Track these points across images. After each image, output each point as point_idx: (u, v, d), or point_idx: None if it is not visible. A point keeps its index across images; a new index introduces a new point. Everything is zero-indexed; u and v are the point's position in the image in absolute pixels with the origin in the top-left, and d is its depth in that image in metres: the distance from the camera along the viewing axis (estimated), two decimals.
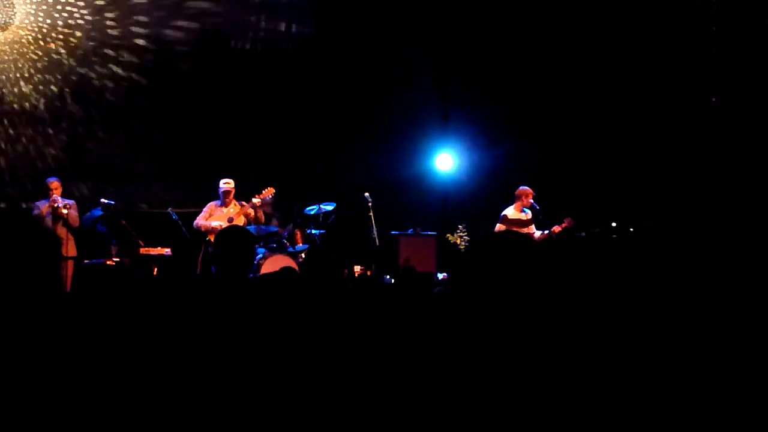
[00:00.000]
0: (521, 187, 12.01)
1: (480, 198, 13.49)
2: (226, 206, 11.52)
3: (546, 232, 11.80)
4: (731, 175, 11.48)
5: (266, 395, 3.41)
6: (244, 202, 11.59)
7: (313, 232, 12.64)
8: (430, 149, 14.60)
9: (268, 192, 11.73)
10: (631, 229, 12.10)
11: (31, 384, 2.86)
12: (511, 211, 12.01)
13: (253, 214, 11.54)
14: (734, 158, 11.61)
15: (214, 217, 11.46)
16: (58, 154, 13.49)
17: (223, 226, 10.90)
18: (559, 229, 11.80)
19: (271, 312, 3.87)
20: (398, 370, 2.95)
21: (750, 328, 3.44)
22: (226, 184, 11.51)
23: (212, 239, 11.36)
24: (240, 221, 11.29)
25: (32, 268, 3.09)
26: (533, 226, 12.00)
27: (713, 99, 11.90)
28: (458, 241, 12.79)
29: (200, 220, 11.48)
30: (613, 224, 12.25)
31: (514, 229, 11.82)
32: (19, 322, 2.96)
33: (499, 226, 11.94)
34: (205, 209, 11.57)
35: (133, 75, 13.88)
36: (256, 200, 11.48)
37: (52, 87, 13.49)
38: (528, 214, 12.02)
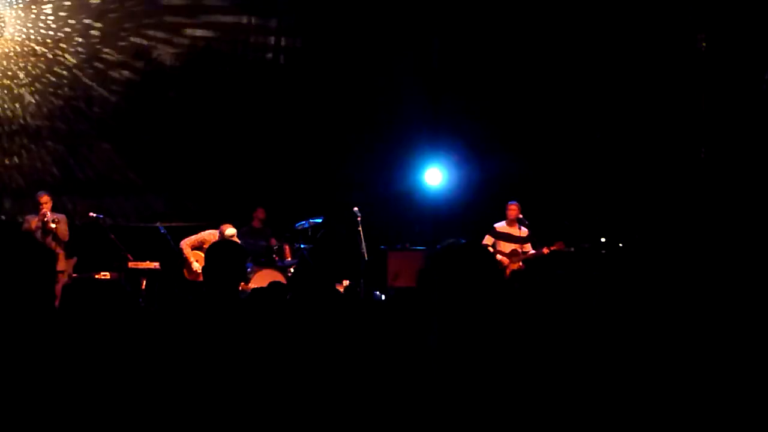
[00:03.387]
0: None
1: (470, 213, 13.48)
2: None
3: (536, 251, 11.93)
4: (721, 189, 11.52)
5: (255, 409, 3.42)
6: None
7: (302, 246, 12.65)
8: (419, 163, 14.61)
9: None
10: (621, 245, 12.13)
11: (23, 395, 2.87)
12: (500, 224, 12.11)
13: None
14: (724, 173, 11.65)
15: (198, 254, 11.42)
16: (47, 167, 13.47)
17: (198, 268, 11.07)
18: (550, 249, 11.88)
19: (261, 326, 3.88)
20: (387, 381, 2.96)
21: (737, 342, 3.46)
22: (230, 235, 11.43)
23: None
24: None
25: (28, 283, 3.09)
26: (530, 245, 12.07)
27: (703, 117, 11.95)
28: None
29: (184, 245, 11.42)
30: (602, 239, 12.27)
31: (501, 242, 11.95)
32: (12, 336, 2.97)
33: (486, 237, 12.06)
34: (198, 235, 11.51)
35: (123, 88, 13.87)
36: None
37: (42, 100, 13.48)
38: (523, 231, 12.06)
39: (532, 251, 12.02)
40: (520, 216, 12.14)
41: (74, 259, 11.88)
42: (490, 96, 14.11)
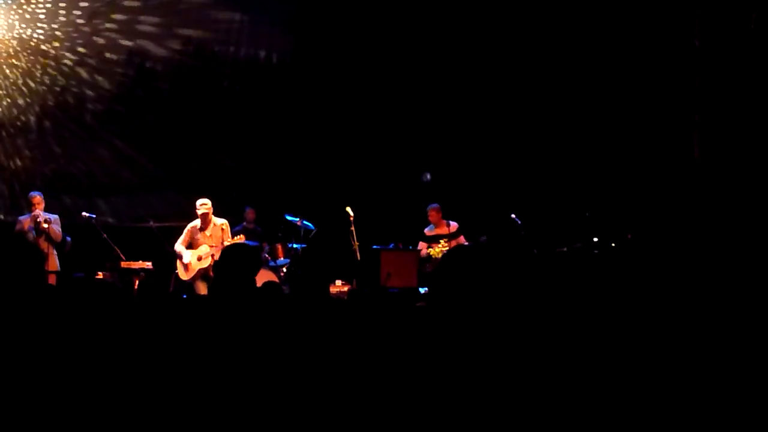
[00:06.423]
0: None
1: (462, 213, 13.49)
2: (206, 227, 11.31)
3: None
4: (714, 191, 11.55)
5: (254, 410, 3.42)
6: (224, 223, 11.40)
7: (295, 246, 12.66)
8: (413, 163, 14.62)
9: (240, 239, 11.56)
10: (613, 245, 12.15)
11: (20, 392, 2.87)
12: (428, 228, 12.79)
13: None
14: (716, 174, 11.68)
15: (188, 250, 11.31)
16: (40, 168, 13.46)
17: (191, 261, 10.98)
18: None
19: (257, 326, 3.88)
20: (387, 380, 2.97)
21: (729, 341, 3.47)
22: (203, 205, 11.23)
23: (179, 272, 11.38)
24: (208, 261, 11.10)
25: (17, 281, 3.10)
26: (462, 237, 12.36)
27: (696, 116, 11.98)
28: (439, 256, 12.83)
29: (178, 246, 11.34)
30: (595, 239, 12.29)
31: (435, 244, 12.49)
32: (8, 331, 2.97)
33: (420, 244, 12.70)
34: (185, 232, 11.40)
35: (115, 88, 13.87)
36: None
37: (34, 100, 13.46)
38: (453, 226, 12.54)
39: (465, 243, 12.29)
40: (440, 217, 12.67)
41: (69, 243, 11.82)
42: (483, 95, 14.15)
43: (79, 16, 13.58)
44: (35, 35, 13.41)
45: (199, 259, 11.14)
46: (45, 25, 13.43)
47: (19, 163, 13.41)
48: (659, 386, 3.08)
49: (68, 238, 11.90)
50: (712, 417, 2.96)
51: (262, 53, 14.68)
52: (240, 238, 11.42)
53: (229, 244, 10.93)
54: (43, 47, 13.46)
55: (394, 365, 3.00)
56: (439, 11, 14.24)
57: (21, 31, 13.36)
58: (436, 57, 14.44)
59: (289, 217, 12.84)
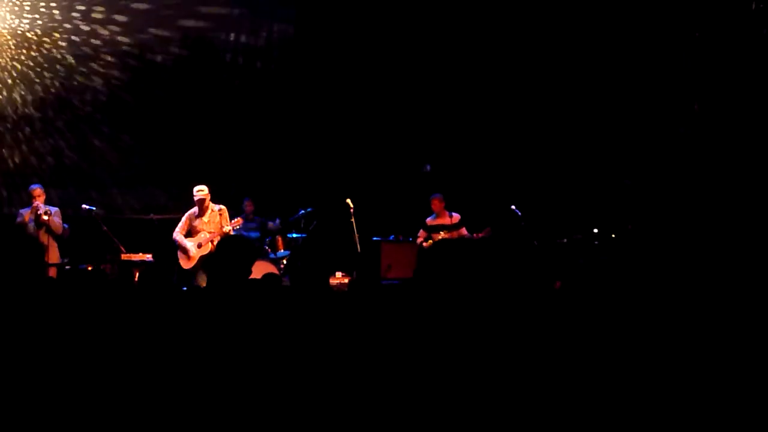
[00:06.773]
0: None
1: (462, 204, 13.50)
2: (203, 214, 11.28)
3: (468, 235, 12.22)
4: (713, 181, 11.55)
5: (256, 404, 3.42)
6: (222, 209, 11.37)
7: (295, 236, 12.67)
8: (413, 155, 14.61)
9: (237, 223, 11.51)
10: (613, 235, 12.16)
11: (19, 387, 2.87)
12: (430, 218, 12.64)
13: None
14: (716, 164, 11.68)
15: (188, 237, 11.26)
16: (39, 160, 13.45)
17: (190, 250, 10.97)
18: (480, 236, 12.15)
19: (257, 318, 3.89)
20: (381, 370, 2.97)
21: (727, 331, 3.48)
22: (199, 192, 11.15)
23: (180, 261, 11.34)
24: (208, 248, 11.07)
25: (17, 274, 3.10)
26: (464, 228, 12.32)
27: (696, 106, 11.98)
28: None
29: (177, 234, 11.32)
30: (595, 230, 12.30)
31: (435, 234, 12.34)
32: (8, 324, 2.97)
33: (420, 232, 12.58)
34: (183, 219, 11.36)
35: (115, 80, 13.85)
36: (227, 228, 11.19)
37: (33, 93, 13.44)
38: (455, 218, 12.42)
39: (467, 234, 12.26)
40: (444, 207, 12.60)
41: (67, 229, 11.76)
42: (485, 86, 14.14)
43: (76, 8, 13.55)
44: (33, 26, 13.38)
45: (199, 246, 11.12)
46: (40, 17, 13.40)
47: (17, 155, 13.40)
48: (658, 379, 3.08)
49: (65, 225, 11.86)
50: (711, 408, 2.97)
51: (262, 44, 14.66)
52: (237, 221, 11.42)
53: (227, 230, 10.97)
54: (39, 39, 13.43)
55: (392, 356, 3.00)
56: (440, 3, 14.23)
57: (11, 21, 13.33)
58: (437, 49, 14.43)
59: (290, 219, 12.93)
